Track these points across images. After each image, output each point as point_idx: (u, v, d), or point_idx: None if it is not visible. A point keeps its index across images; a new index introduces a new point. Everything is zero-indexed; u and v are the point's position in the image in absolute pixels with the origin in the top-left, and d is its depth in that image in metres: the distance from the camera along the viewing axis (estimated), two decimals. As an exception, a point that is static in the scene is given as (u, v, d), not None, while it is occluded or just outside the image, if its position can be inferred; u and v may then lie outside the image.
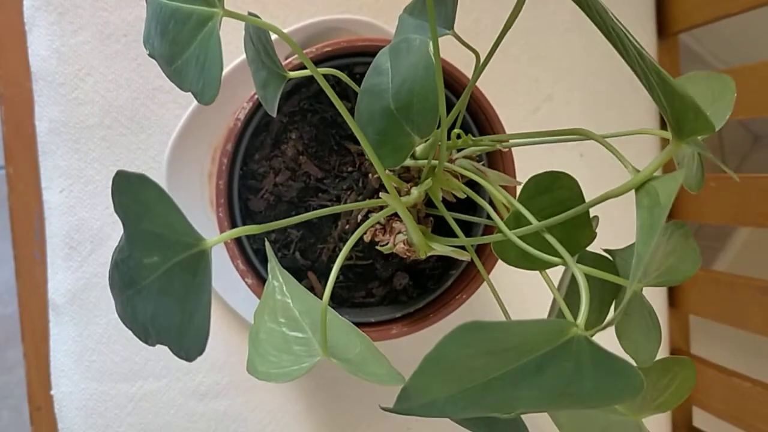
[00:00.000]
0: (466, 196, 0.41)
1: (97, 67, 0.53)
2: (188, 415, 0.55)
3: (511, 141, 0.35)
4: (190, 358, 0.25)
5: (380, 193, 0.32)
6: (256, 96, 0.40)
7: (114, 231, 0.53)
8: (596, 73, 0.62)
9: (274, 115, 0.32)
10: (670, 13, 0.60)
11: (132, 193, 0.25)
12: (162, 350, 0.55)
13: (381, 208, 0.42)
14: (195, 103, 0.52)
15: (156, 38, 0.29)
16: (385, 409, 0.29)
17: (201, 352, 0.24)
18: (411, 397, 0.28)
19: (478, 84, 0.42)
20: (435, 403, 0.29)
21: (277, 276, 0.35)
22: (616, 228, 0.54)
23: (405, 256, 0.37)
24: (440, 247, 0.35)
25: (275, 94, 0.33)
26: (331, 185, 0.44)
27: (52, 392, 0.54)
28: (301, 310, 0.33)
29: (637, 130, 0.32)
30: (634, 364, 0.30)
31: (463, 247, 0.36)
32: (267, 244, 0.36)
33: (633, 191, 0.27)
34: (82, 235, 0.53)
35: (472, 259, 0.45)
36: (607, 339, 0.32)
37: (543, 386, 0.27)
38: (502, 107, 0.43)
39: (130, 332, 0.54)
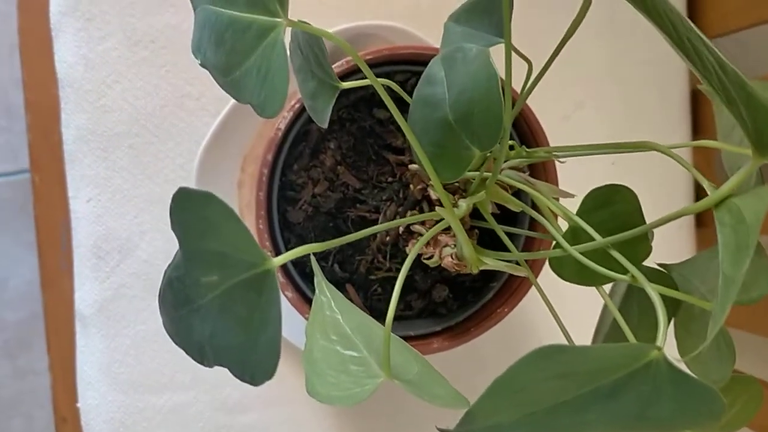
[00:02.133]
0: (503, 210, 0.40)
1: (124, 74, 0.52)
2: (216, 428, 0.54)
3: (564, 153, 0.34)
4: (255, 381, 0.24)
5: (436, 208, 0.31)
6: (296, 105, 0.39)
7: (142, 241, 0.52)
8: (627, 81, 0.61)
9: (325, 126, 0.31)
10: (704, 18, 0.59)
11: (195, 210, 0.24)
12: (190, 362, 0.54)
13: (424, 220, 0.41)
14: (225, 111, 0.51)
15: (209, 48, 0.28)
16: (441, 430, 0.28)
17: (271, 374, 0.23)
18: (475, 420, 0.27)
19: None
20: (499, 427, 0.28)
21: (325, 291, 0.34)
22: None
23: (453, 270, 0.36)
24: (492, 262, 0.34)
25: (327, 105, 0.32)
26: (369, 196, 0.43)
27: (79, 404, 0.53)
28: (352, 326, 0.32)
29: (701, 142, 0.31)
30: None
31: (513, 262, 0.35)
32: (312, 258, 0.35)
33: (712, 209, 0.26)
34: (109, 245, 0.52)
35: (511, 274, 0.45)
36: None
37: (616, 411, 0.26)
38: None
39: (157, 344, 0.53)
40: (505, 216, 0.43)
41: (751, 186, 0.34)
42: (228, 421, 0.54)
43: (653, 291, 0.26)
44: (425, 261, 0.38)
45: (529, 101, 0.57)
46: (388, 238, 0.43)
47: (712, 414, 0.24)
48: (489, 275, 0.45)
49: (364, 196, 0.43)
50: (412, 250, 0.31)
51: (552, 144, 0.41)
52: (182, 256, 0.27)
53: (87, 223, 0.52)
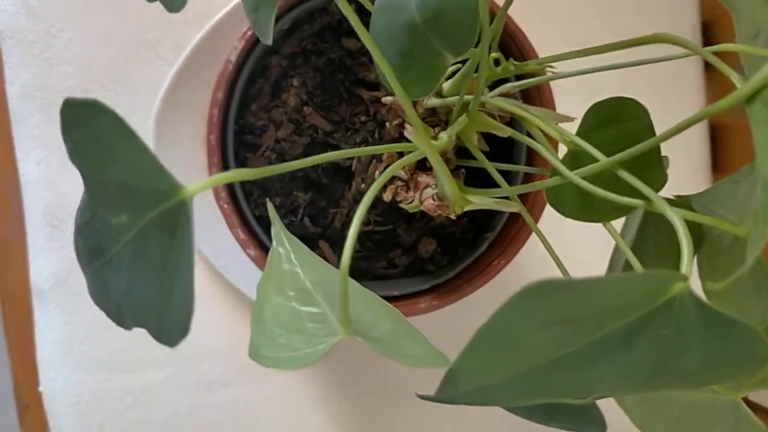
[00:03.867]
0: (495, 147, 0.35)
1: (71, 21, 0.47)
2: (193, 408, 0.50)
3: (558, 65, 0.29)
4: (172, 342, 0.19)
5: (405, 133, 0.26)
6: (249, 32, 0.34)
7: (100, 206, 0.47)
8: (629, 12, 0.55)
9: (269, 43, 0.25)
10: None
11: (84, 129, 0.19)
12: (160, 337, 0.49)
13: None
14: (184, 55, 0.46)
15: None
16: (423, 398, 0.23)
17: (184, 333, 0.19)
18: (459, 383, 0.22)
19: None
20: (490, 389, 0.23)
21: (283, 242, 0.29)
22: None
23: (435, 214, 0.31)
24: (479, 200, 0.29)
25: (269, 17, 0.26)
26: (342, 139, 0.38)
27: (41, 388, 0.49)
28: (314, 280, 0.27)
29: (721, 46, 0.25)
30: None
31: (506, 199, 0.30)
32: (269, 205, 0.30)
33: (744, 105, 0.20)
34: (64, 212, 0.47)
35: (506, 221, 0.39)
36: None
37: (631, 363, 0.21)
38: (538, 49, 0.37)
39: (123, 319, 0.48)
40: (499, 154, 0.38)
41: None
42: (206, 399, 0.50)
43: (675, 215, 0.21)
44: (405, 206, 0.33)
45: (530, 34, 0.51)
46: (363, 186, 0.37)
47: (752, 360, 0.19)
48: (482, 226, 0.40)
49: (336, 140, 0.38)
50: (376, 182, 0.25)
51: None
52: (86, 193, 0.22)
53: (38, 188, 0.47)
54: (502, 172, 0.39)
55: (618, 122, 0.27)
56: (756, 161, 0.19)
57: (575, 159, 0.27)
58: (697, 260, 0.28)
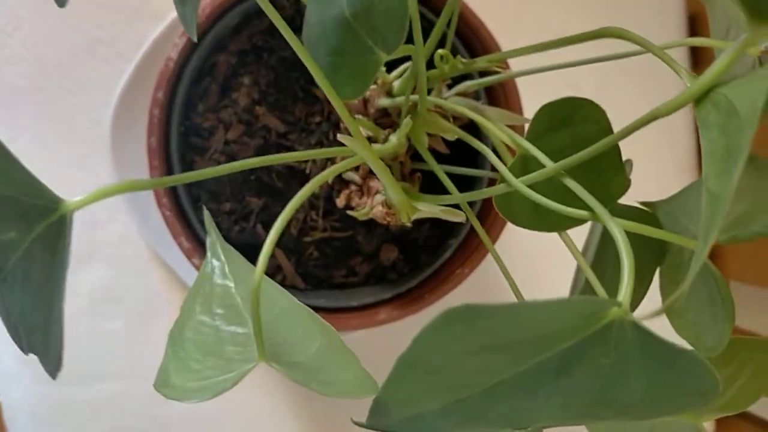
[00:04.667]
0: (462, 151, 0.33)
1: (26, 19, 0.45)
2: (154, 419, 0.48)
3: (513, 65, 0.27)
4: (52, 372, 0.17)
5: (339, 136, 0.24)
6: (191, 29, 0.32)
7: (56, 211, 0.46)
8: (614, 5, 0.53)
9: (194, 39, 0.24)
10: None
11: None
12: (122, 347, 0.48)
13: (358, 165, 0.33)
14: (141, 53, 0.44)
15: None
16: (357, 424, 0.22)
17: (58, 364, 0.17)
18: (390, 411, 0.20)
19: (474, 9, 0.34)
20: (425, 418, 0.21)
21: (218, 253, 0.27)
22: (648, 184, 0.46)
23: (384, 222, 0.29)
24: (427, 207, 0.27)
25: (195, 10, 0.24)
26: (297, 141, 0.36)
27: (0, 398, 0.47)
28: (246, 296, 0.25)
29: (693, 40, 0.23)
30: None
31: (458, 207, 0.28)
32: (205, 212, 0.28)
33: (693, 106, 0.18)
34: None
35: (471, 227, 0.37)
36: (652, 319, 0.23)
37: (571, 392, 0.19)
38: (508, 47, 0.34)
39: (82, 327, 0.47)
40: (468, 158, 0.36)
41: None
42: (169, 410, 0.48)
43: (616, 226, 0.19)
44: (353, 213, 0.31)
45: (503, 32, 0.49)
46: (318, 190, 0.35)
47: (700, 393, 0.17)
48: (446, 231, 0.38)
49: (291, 141, 0.36)
50: (312, 182, 0.24)
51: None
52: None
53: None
54: (469, 179, 0.37)
55: (571, 125, 0.25)
56: (703, 172, 0.16)
57: (525, 164, 0.25)
58: (659, 273, 0.26)
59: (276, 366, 0.20)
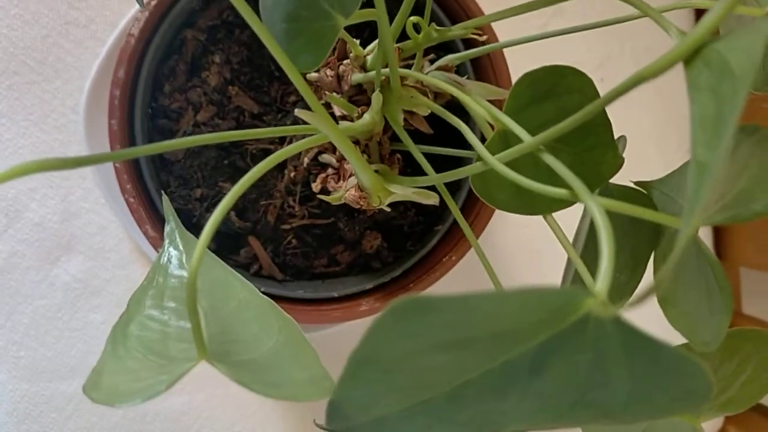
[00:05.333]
0: (450, 130, 0.30)
1: (-4, 0, 0.43)
2: (141, 416, 0.46)
3: (502, 37, 0.25)
4: None
5: (296, 111, 0.22)
6: (153, 2, 0.30)
7: (32, 201, 0.44)
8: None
9: (142, 6, 0.21)
10: None
11: None
12: (103, 340, 0.46)
13: (335, 148, 0.31)
14: (113, 35, 0.42)
15: None
16: (319, 426, 0.20)
17: None
18: (348, 414, 0.19)
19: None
20: (386, 421, 0.19)
21: (176, 242, 0.25)
22: (647, 166, 0.43)
23: (357, 206, 0.27)
24: (401, 190, 0.25)
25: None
26: (272, 122, 0.34)
27: (-22, 395, 0.45)
28: (204, 288, 0.23)
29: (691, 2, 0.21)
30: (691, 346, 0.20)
31: (434, 189, 0.26)
32: (164, 197, 0.26)
33: (682, 67, 0.16)
34: (-8, 210, 0.43)
35: (460, 212, 0.35)
36: (648, 312, 0.21)
37: (545, 393, 0.17)
38: (501, 24, 0.32)
39: (61, 321, 0.45)
40: (455, 139, 0.33)
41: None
42: (154, 406, 0.46)
43: (594, 204, 0.16)
44: (326, 198, 0.29)
45: (497, 6, 0.46)
46: (294, 174, 0.33)
47: (690, 394, 0.15)
48: (433, 218, 0.36)
49: (266, 123, 0.34)
50: (272, 157, 0.21)
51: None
52: None
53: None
54: (457, 161, 0.34)
55: (556, 96, 0.22)
56: (691, 139, 0.14)
57: (506, 141, 0.23)
58: (653, 260, 0.23)
59: (218, 365, 0.18)
